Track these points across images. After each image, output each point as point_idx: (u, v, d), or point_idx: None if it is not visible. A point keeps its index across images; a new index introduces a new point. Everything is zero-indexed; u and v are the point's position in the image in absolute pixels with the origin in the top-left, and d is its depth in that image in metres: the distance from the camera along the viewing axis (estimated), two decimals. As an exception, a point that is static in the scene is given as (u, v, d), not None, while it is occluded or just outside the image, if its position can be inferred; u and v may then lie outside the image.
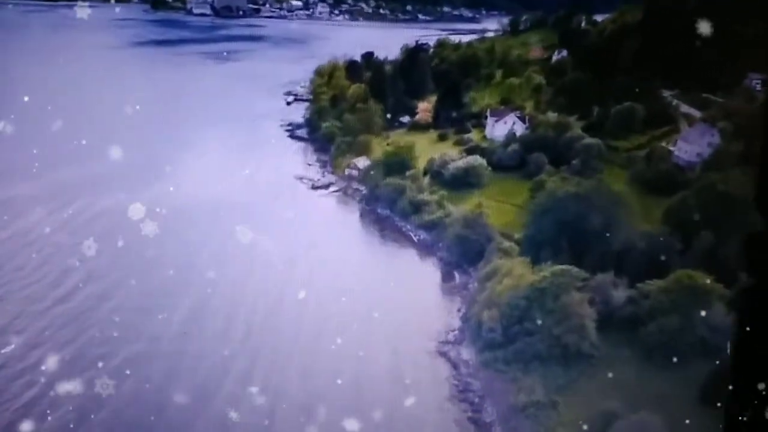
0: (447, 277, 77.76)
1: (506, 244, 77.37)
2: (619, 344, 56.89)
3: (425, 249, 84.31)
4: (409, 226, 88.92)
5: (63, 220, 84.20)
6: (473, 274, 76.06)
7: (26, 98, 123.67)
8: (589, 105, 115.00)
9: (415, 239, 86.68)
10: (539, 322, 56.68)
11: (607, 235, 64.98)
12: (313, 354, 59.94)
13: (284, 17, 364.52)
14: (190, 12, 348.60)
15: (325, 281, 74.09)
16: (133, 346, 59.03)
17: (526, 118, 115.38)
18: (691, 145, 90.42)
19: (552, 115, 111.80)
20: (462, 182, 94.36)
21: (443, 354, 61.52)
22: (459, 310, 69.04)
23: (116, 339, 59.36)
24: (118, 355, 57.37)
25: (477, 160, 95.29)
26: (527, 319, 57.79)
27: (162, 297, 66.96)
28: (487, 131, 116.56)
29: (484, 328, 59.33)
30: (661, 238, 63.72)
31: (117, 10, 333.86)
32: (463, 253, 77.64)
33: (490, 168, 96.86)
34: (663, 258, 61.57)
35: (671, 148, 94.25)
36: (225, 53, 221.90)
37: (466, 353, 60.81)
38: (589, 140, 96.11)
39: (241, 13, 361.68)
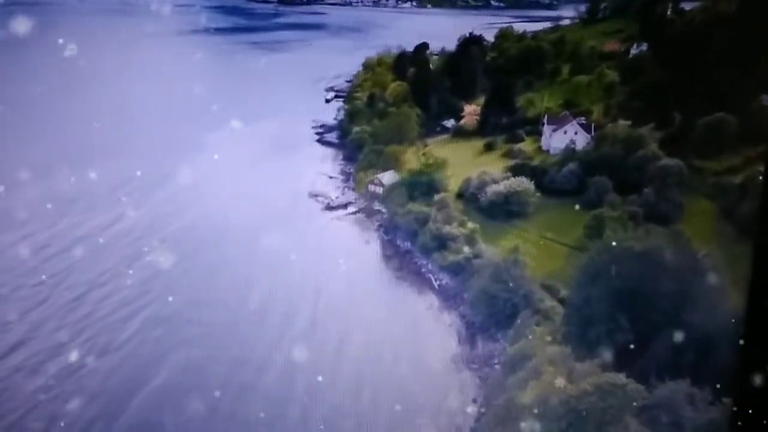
0: (468, 341, 60.17)
1: (548, 303, 59.31)
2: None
3: (446, 299, 66.84)
4: (430, 266, 71.69)
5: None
6: (502, 341, 58.40)
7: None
8: (669, 112, 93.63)
9: (435, 284, 69.34)
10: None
11: (686, 317, 45.84)
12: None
13: (349, 4, 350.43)
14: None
15: (314, 342, 58.90)
16: None
17: (592, 126, 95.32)
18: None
19: (623, 124, 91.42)
20: (502, 210, 76.28)
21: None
22: (475, 401, 51.55)
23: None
24: None
25: (522, 183, 76.67)
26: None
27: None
28: (543, 142, 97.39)
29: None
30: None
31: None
32: (491, 314, 59.86)
33: (539, 193, 78.12)
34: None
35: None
36: (275, 42, 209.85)
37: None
38: (667, 162, 75.57)
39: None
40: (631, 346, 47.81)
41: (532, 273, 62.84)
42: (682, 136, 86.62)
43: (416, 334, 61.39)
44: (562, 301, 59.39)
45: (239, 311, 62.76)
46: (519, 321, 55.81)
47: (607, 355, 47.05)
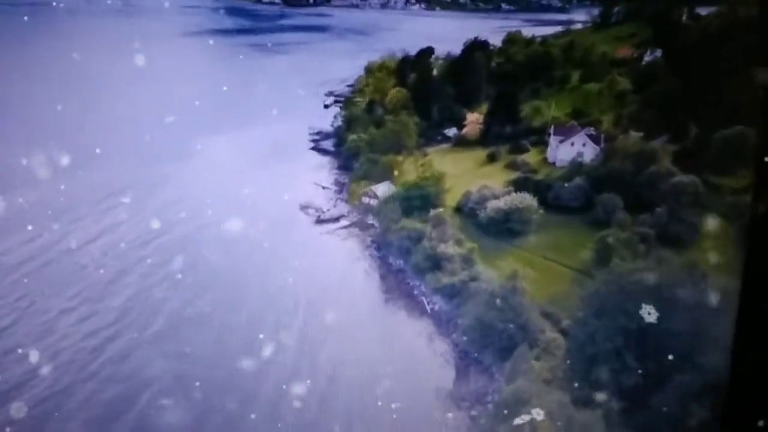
0: (460, 374, 54.96)
1: (548, 334, 54.07)
2: None
3: (439, 325, 61.55)
4: (423, 288, 66.43)
5: None
6: (497, 374, 53.27)
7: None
8: (684, 124, 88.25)
9: (428, 308, 64.05)
10: None
11: (701, 360, 40.49)
12: None
13: (356, 6, 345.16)
14: (259, 0, 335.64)
15: (294, 370, 54.15)
16: None
17: (601, 137, 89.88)
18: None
19: (635, 136, 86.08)
20: (502, 228, 71.02)
21: None
22: (462, 449, 46.39)
23: None
24: None
25: (524, 200, 71.33)
26: None
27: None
28: (549, 153, 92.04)
29: None
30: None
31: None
32: (485, 345, 54.62)
33: (542, 209, 72.80)
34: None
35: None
36: (276, 45, 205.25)
37: None
38: (681, 178, 70.06)
39: (311, 1, 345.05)
40: (639, 390, 42.98)
41: (533, 297, 57.68)
42: (698, 149, 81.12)
43: (404, 364, 56.12)
44: (563, 332, 54.26)
45: (218, 336, 58.22)
46: (516, 354, 50.56)
47: (613, 401, 42.04)
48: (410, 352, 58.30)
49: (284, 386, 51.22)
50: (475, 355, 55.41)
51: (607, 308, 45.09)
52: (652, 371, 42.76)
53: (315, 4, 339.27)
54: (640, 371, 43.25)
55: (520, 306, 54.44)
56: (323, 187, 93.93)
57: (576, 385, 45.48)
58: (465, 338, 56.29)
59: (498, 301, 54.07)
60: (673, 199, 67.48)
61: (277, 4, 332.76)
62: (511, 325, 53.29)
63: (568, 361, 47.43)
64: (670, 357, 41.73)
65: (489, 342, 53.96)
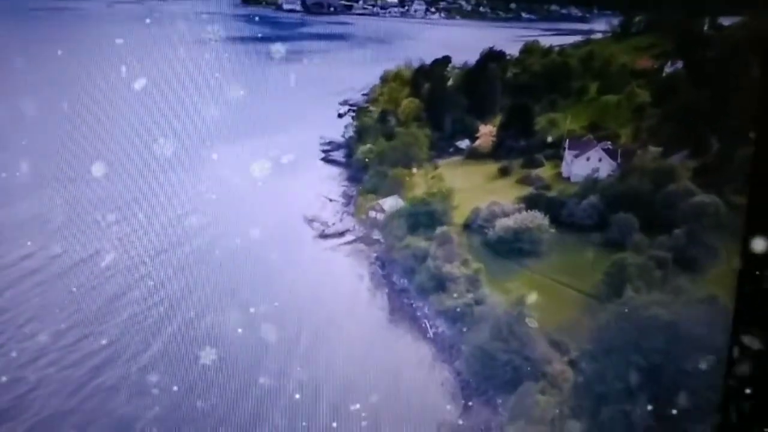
0: (460, 407, 51.83)
1: (556, 366, 50.76)
2: None
3: (441, 350, 58.53)
4: (426, 310, 63.41)
5: None
6: (501, 408, 50.08)
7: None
8: (705, 139, 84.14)
9: (430, 332, 61.02)
10: None
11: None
12: None
13: (376, 14, 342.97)
14: (279, 8, 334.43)
15: (288, 397, 51.57)
16: None
17: (618, 152, 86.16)
18: None
19: (654, 151, 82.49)
20: (511, 248, 67.69)
21: None
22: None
23: None
24: None
25: (535, 218, 67.96)
26: None
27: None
28: (564, 168, 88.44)
29: None
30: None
31: (208, 3, 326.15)
32: (488, 377, 51.44)
33: (554, 228, 69.37)
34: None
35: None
36: (294, 53, 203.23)
37: None
38: (702, 198, 66.20)
39: (332, 9, 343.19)
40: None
41: (541, 324, 54.40)
42: (719, 166, 77.19)
43: (401, 393, 53.18)
44: (572, 363, 50.95)
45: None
46: (521, 391, 47.30)
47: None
48: (409, 380, 55.28)
49: (270, 408, 49.09)
50: (477, 386, 52.21)
51: (618, 345, 41.76)
52: (667, 414, 39.40)
53: (335, 12, 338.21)
54: (653, 414, 39.90)
55: (526, 335, 51.21)
56: (330, 200, 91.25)
57: (584, 425, 42.25)
58: (466, 369, 53.13)
59: (503, 330, 50.86)
60: (693, 220, 63.70)
61: (298, 11, 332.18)
62: (516, 357, 50.02)
63: (577, 401, 44.06)
64: (686, 399, 38.41)
65: (491, 374, 50.77)
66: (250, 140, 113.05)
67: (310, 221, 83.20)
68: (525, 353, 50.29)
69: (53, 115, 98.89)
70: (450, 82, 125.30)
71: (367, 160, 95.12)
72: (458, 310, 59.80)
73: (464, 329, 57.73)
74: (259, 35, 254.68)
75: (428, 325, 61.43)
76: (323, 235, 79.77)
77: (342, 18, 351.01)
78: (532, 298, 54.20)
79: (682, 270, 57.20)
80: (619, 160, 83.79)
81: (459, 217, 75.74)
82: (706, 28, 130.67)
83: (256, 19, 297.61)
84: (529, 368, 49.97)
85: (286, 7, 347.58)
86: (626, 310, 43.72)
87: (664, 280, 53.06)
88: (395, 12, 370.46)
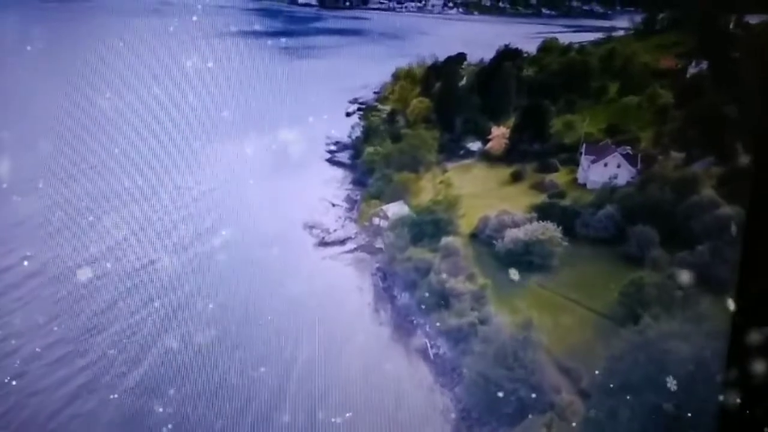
0: (461, 438, 47.74)
1: (565, 396, 46.44)
2: None
3: (441, 373, 54.45)
4: (428, 329, 59.33)
5: None
6: (505, 442, 45.86)
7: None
8: (731, 145, 78.97)
9: (430, 353, 56.95)
10: None
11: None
12: None
13: (393, 9, 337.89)
14: (294, 2, 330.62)
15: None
16: None
17: (638, 157, 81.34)
18: None
19: (676, 157, 77.80)
20: (521, 261, 63.25)
21: None
22: None
23: None
24: None
25: (547, 230, 63.48)
26: None
27: None
28: (580, 174, 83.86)
29: None
30: None
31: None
32: (490, 408, 47.20)
33: (567, 239, 64.82)
34: None
35: None
36: (307, 48, 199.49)
37: None
38: (726, 210, 61.39)
39: (347, 3, 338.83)
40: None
41: (550, 348, 50.28)
42: (745, 173, 72.17)
43: (398, 422, 49.19)
44: (583, 393, 46.66)
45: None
46: (525, 425, 43.08)
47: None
48: (406, 405, 51.23)
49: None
50: (479, 416, 48.05)
51: (633, 381, 37.36)
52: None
53: (351, 7, 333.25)
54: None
55: (533, 362, 46.91)
56: (333, 204, 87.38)
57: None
58: (467, 397, 48.98)
59: (508, 356, 46.62)
60: (716, 236, 58.87)
61: (313, 6, 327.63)
62: (521, 386, 45.77)
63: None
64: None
65: (493, 405, 46.52)
66: (250, 138, 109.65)
67: (310, 227, 79.34)
68: (531, 382, 46.05)
69: (48, 113, 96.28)
70: (463, 81, 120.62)
71: (373, 162, 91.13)
72: (461, 329, 55.61)
73: (467, 351, 53.48)
74: (273, 30, 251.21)
75: (429, 346, 57.33)
76: (323, 243, 75.88)
77: (357, 13, 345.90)
78: (541, 321, 49.94)
79: (704, 291, 52.37)
80: (638, 167, 79.05)
81: (466, 226, 71.55)
82: (732, 26, 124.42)
83: (271, 13, 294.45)
84: (534, 397, 45.72)
85: (301, 0, 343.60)
86: (642, 341, 39.30)
87: (685, 304, 48.37)
88: (412, 7, 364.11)
